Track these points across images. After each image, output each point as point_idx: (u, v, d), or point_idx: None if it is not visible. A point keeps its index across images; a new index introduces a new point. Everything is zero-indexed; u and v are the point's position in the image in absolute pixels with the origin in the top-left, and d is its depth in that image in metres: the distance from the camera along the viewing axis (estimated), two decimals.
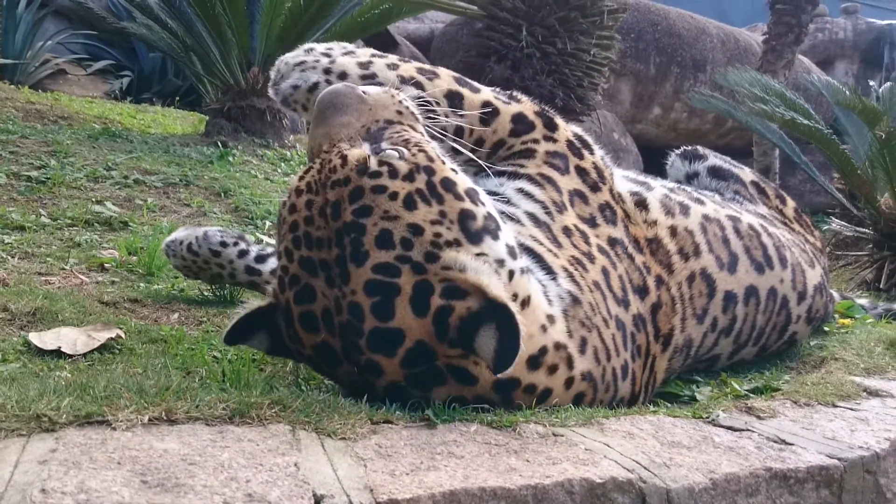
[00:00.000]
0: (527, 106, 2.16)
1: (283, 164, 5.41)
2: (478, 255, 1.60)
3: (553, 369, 1.71)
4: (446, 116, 1.96)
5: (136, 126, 6.49)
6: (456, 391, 1.61)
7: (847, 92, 5.21)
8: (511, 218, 1.93)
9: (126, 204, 3.83)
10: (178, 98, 9.47)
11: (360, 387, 1.62)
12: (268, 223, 3.89)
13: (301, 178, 1.65)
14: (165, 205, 3.96)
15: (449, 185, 1.65)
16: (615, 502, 1.32)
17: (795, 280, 2.53)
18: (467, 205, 1.64)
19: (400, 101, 1.81)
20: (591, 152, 2.18)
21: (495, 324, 1.51)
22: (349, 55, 2.14)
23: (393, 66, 2.09)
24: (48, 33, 9.84)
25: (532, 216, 1.97)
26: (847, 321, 3.11)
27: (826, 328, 2.89)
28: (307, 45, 2.15)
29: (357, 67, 2.07)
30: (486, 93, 2.14)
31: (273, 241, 3.44)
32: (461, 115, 2.03)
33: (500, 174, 2.06)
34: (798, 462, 1.53)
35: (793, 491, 1.50)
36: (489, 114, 2.09)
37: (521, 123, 2.12)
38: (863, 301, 3.66)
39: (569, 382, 1.74)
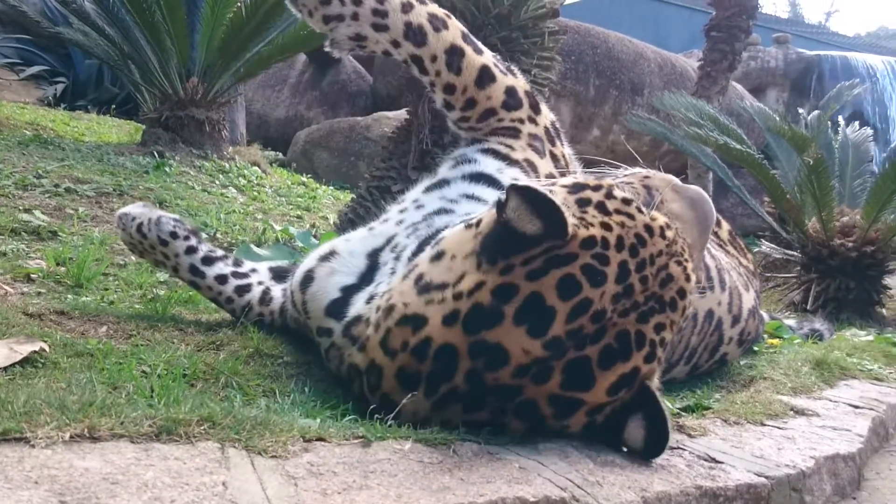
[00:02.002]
0: (520, 82, 2.22)
1: (221, 176, 5.32)
2: None
3: None
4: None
5: (69, 133, 6.31)
6: None
7: (778, 119, 5.38)
8: None
9: (56, 213, 3.71)
10: (114, 106, 9.27)
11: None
12: (203, 235, 3.81)
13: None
14: (97, 215, 3.85)
15: None
16: None
17: (732, 303, 2.58)
18: None
19: None
20: (562, 143, 2.25)
21: (641, 414, 1.59)
22: None
23: (408, 7, 2.10)
24: None
25: None
26: (776, 341, 3.19)
27: (756, 348, 2.96)
28: None
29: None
30: (488, 57, 2.18)
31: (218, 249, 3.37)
32: (458, 72, 2.10)
33: (496, 155, 2.11)
34: (727, 480, 1.56)
35: None
36: (485, 78, 2.14)
37: (512, 98, 2.17)
38: (791, 322, 3.76)
39: None
